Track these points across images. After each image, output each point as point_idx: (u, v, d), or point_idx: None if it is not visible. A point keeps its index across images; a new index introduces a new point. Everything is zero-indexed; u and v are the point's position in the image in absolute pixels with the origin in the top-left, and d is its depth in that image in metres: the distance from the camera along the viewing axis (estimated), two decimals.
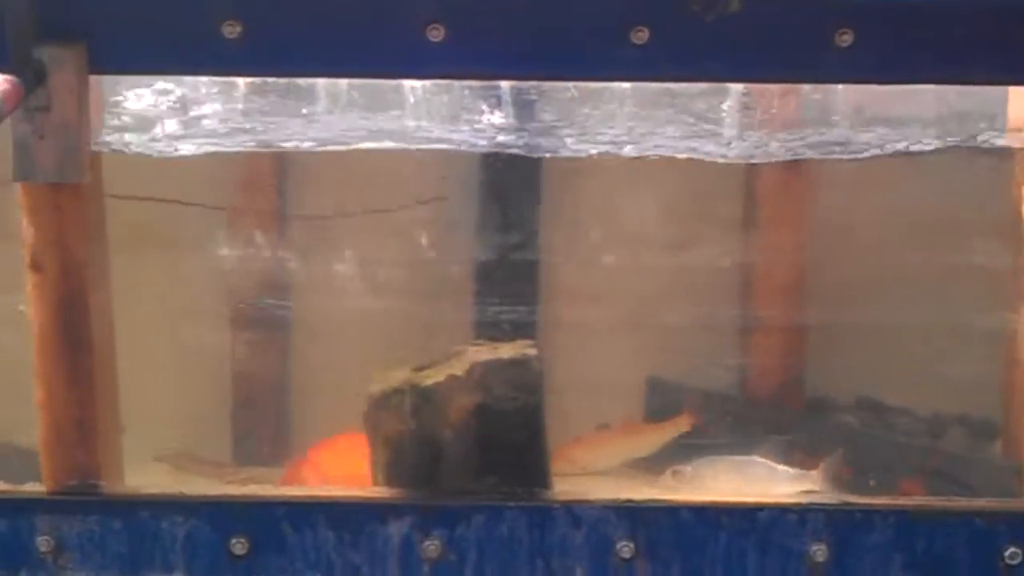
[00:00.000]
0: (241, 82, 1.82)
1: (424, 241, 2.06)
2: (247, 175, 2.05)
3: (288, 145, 1.88)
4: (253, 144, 1.91)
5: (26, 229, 1.80)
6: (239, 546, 1.86)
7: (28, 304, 1.83)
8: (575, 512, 1.85)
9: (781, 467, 1.98)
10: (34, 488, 1.88)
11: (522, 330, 2.01)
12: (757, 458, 2.01)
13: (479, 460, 1.87)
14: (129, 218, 1.93)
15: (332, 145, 1.87)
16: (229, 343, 2.12)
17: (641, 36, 1.72)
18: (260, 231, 2.09)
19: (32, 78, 1.68)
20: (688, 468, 2.00)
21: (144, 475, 1.99)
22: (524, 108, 1.82)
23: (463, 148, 1.87)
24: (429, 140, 1.84)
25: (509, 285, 2.02)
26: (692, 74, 1.78)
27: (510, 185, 1.98)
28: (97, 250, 1.85)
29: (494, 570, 1.86)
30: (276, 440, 2.11)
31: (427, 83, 1.80)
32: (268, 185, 2.07)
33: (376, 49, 1.75)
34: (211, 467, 2.09)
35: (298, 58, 1.76)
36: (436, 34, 1.73)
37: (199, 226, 2.08)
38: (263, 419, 2.11)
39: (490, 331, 2.00)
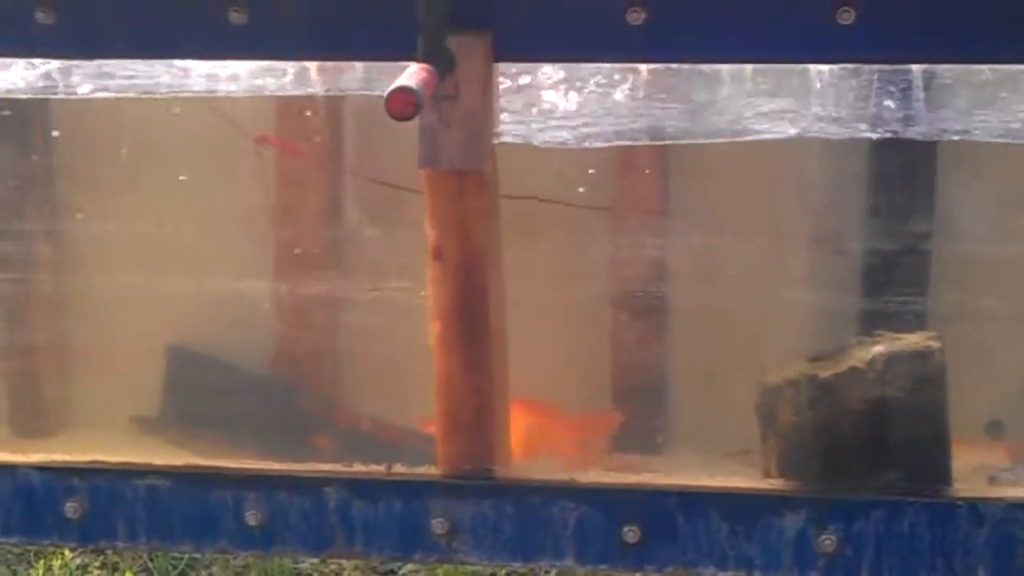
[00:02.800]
0: (644, 68, 1.82)
1: (811, 229, 2.01)
2: (632, 164, 2.04)
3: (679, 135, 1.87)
4: (642, 133, 1.90)
5: (429, 217, 1.84)
6: (631, 534, 1.85)
7: (429, 292, 1.87)
8: (979, 510, 1.79)
9: None
10: (430, 471, 1.92)
11: (913, 321, 1.95)
12: None
13: (879, 454, 1.83)
14: (513, 206, 1.94)
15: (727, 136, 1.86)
16: (609, 332, 2.11)
17: None
18: (642, 221, 2.08)
19: (443, 66, 1.70)
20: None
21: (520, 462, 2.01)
22: (935, 92, 1.76)
23: (864, 133, 1.83)
24: (833, 126, 1.80)
25: (900, 274, 1.97)
26: None
27: (906, 171, 1.93)
28: (493, 237, 1.87)
29: (892, 567, 1.81)
30: (654, 429, 2.09)
31: (834, 68, 1.77)
32: (652, 175, 2.05)
33: (782, 33, 1.72)
34: (590, 454, 2.09)
35: (701, 44, 1.75)
36: (846, 17, 1.70)
37: (581, 215, 2.08)
38: (641, 408, 2.10)
39: (880, 322, 1.95)
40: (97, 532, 1.98)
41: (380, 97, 1.59)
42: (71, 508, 1.97)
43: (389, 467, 1.93)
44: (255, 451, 2.06)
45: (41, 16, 1.85)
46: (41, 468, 1.98)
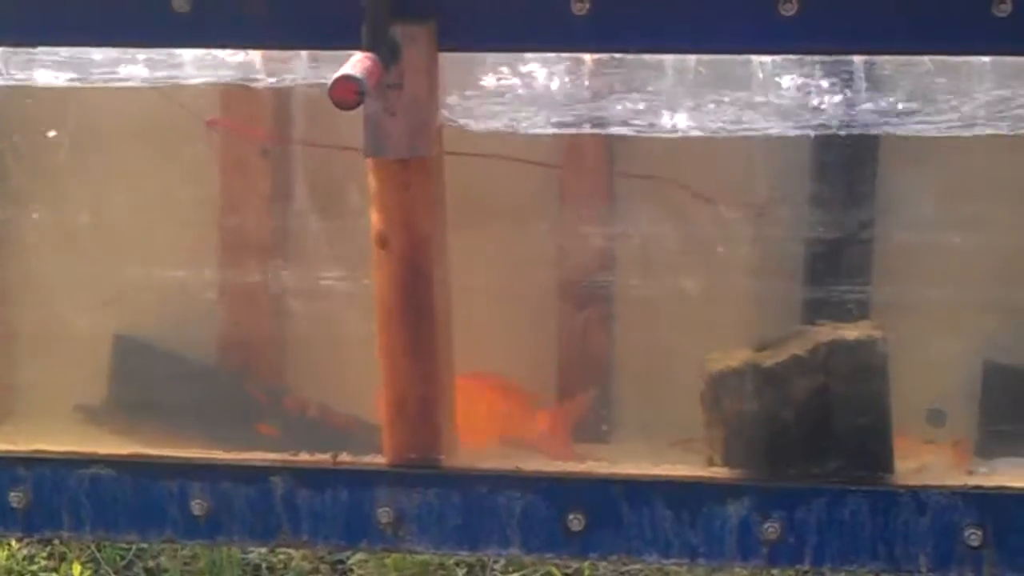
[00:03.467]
0: (588, 58, 1.82)
1: (754, 220, 2.02)
2: (577, 153, 2.05)
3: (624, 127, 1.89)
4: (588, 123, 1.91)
5: (374, 205, 1.84)
6: (576, 522, 1.86)
7: (372, 279, 1.87)
8: (920, 497, 1.81)
9: None
10: (375, 460, 1.92)
11: (856, 310, 1.96)
12: None
13: (821, 442, 1.84)
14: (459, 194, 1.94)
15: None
16: (555, 319, 2.11)
17: (1004, 8, 1.67)
18: (586, 208, 2.08)
19: (388, 56, 1.71)
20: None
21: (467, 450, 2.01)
22: (876, 84, 1.78)
23: (804, 125, 1.84)
24: (773, 116, 1.82)
25: (841, 265, 1.98)
26: None
27: (849, 163, 1.94)
28: (439, 225, 1.88)
29: (834, 554, 1.83)
30: (601, 418, 2.10)
31: (776, 59, 1.78)
32: (597, 164, 2.05)
33: (725, 24, 1.73)
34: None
35: (645, 34, 1.75)
36: (789, 8, 1.70)
37: (525, 201, 2.08)
38: (586, 396, 2.11)
39: (823, 312, 1.96)
40: (42, 522, 1.97)
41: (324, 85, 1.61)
42: (15, 498, 1.96)
43: (335, 456, 1.93)
44: (201, 440, 2.05)
45: None
46: None
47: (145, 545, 3.89)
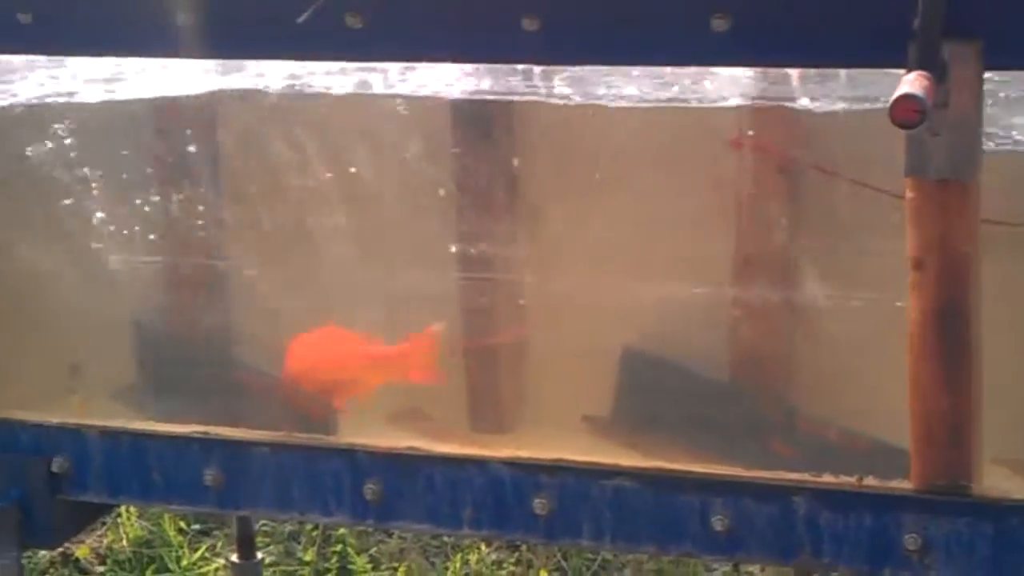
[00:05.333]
0: None
1: None
2: None
3: None
4: None
5: (911, 226, 1.81)
6: None
7: (909, 302, 1.84)
8: None
9: None
10: (902, 485, 1.89)
11: None
12: None
13: None
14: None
15: None
16: None
17: None
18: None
19: (938, 74, 1.68)
20: None
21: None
22: None
23: None
24: None
25: None
26: None
27: None
28: (974, 249, 1.83)
29: None
30: None
31: None
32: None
33: None
34: None
35: None
36: None
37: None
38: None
39: None
40: (562, 529, 2.03)
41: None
42: (539, 504, 2.02)
43: (860, 479, 1.91)
44: (713, 456, 2.06)
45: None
46: (511, 464, 2.04)
47: (610, 557, 3.97)
